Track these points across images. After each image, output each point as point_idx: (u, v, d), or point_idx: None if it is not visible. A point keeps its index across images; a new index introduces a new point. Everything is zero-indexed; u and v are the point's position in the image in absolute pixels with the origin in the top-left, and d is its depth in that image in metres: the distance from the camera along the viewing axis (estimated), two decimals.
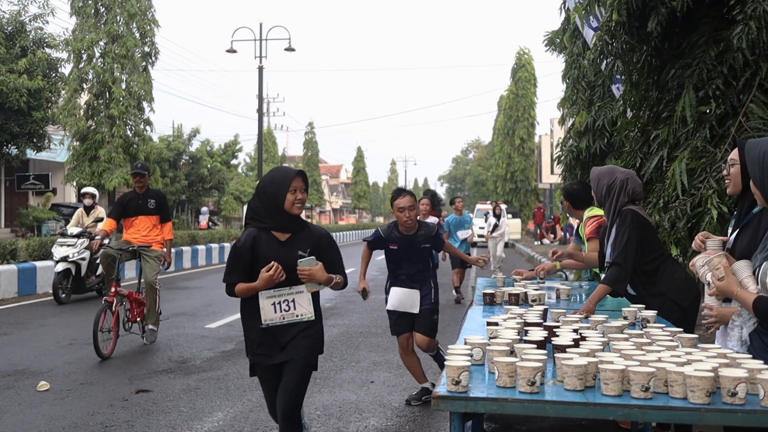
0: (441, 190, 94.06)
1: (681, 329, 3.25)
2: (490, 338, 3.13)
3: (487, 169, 63.15)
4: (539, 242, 34.03)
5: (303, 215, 4.00)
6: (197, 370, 7.33)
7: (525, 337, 2.93)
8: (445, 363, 2.38)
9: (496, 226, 17.81)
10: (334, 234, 45.39)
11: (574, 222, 25.26)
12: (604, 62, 6.42)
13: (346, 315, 11.49)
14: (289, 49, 27.23)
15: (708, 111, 5.31)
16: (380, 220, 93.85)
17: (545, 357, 2.50)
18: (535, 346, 2.73)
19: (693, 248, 3.54)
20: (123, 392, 6.44)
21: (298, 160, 65.33)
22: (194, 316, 11.27)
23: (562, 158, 11.17)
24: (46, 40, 19.86)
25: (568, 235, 32.33)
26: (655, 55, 6.05)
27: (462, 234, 13.54)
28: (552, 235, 35.25)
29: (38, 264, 14.12)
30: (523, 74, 43.04)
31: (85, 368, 7.39)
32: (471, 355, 2.64)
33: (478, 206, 39.26)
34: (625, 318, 3.90)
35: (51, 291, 12.80)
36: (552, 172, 33.68)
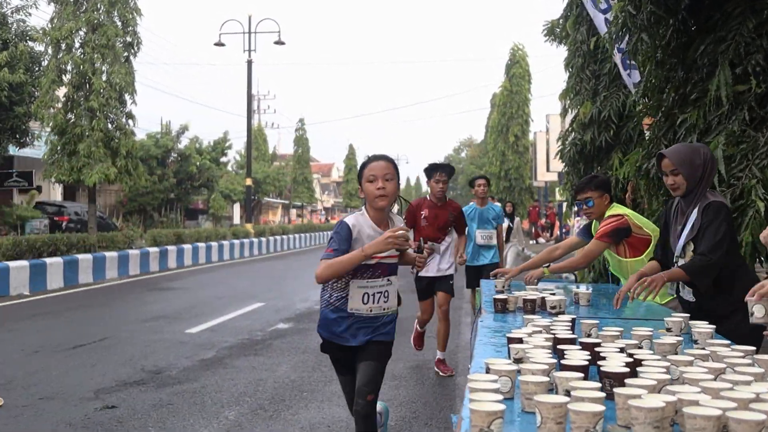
0: None
1: (753, 348, 2.59)
2: (515, 360, 2.47)
3: (480, 168, 62.57)
4: (535, 241, 33.41)
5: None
6: (172, 382, 6.64)
7: (563, 361, 2.27)
8: (470, 406, 1.71)
9: (510, 230, 14.12)
10: (325, 233, 44.67)
11: (574, 221, 24.60)
12: (625, 39, 5.76)
13: None
14: (279, 42, 26.58)
15: (749, 90, 4.66)
16: None
17: (603, 395, 1.84)
18: (582, 375, 2.07)
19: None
20: (86, 408, 5.74)
21: (289, 158, 64.53)
22: (176, 319, 10.57)
23: (565, 152, 10.58)
24: (29, 33, 19.14)
25: (565, 234, 31.78)
26: (682, 30, 5.40)
27: (482, 235, 8.73)
28: (548, 234, 34.66)
29: (11, 264, 13.36)
30: (517, 70, 42.39)
31: (47, 380, 6.68)
32: (498, 389, 1.97)
33: None
34: (669, 329, 3.24)
35: (25, 292, 12.12)
36: (548, 170, 33.11)
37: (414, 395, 6.23)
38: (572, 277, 10.33)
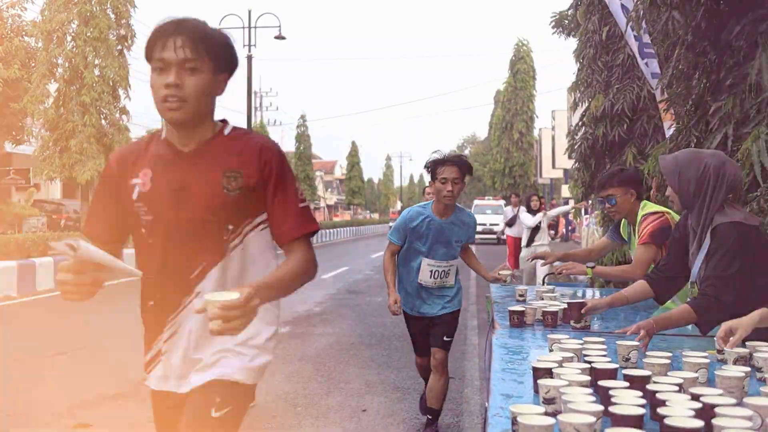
0: None
1: None
2: (545, 400, 1.96)
3: (483, 165, 62.12)
4: None
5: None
6: None
7: (612, 408, 1.75)
8: None
9: (537, 230, 11.66)
10: (328, 231, 44.20)
11: (581, 220, 24.07)
12: (643, 24, 5.25)
13: (336, 322, 10.30)
14: (280, 37, 26.08)
15: None
16: (376, 216, 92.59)
17: None
18: None
19: None
20: (57, 427, 5.23)
21: (291, 155, 64.05)
22: None
23: (575, 147, 10.12)
24: (25, 28, 18.73)
25: (571, 232, 31.28)
26: (713, 10, 4.89)
27: (433, 268, 4.76)
28: (553, 232, 34.14)
29: None
30: (521, 66, 42.00)
31: (20, 392, 6.17)
32: None
33: (477, 202, 38.01)
34: (720, 351, 2.72)
35: (12, 294, 11.67)
36: (554, 166, 32.60)
37: (417, 409, 5.71)
38: (582, 279, 9.81)
